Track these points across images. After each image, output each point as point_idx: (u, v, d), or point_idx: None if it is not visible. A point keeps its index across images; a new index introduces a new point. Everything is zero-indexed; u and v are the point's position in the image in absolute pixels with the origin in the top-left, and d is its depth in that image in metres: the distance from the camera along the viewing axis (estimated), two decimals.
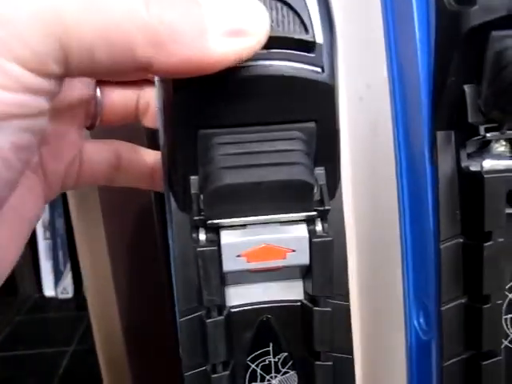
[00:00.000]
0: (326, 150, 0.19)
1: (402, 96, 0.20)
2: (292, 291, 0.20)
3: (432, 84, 0.18)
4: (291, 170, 0.17)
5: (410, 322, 0.21)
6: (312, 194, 0.18)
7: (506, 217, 0.18)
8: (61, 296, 0.99)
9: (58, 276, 1.02)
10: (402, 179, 0.20)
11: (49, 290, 1.01)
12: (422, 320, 0.20)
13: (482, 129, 0.17)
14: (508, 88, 0.16)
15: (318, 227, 0.19)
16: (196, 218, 0.18)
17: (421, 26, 0.19)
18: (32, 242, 1.04)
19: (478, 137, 0.17)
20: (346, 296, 0.21)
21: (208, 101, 0.17)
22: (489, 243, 0.18)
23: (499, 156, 0.19)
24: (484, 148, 0.19)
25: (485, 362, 0.18)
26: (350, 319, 0.21)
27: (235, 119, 0.18)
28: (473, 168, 0.18)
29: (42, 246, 1.05)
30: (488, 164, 0.18)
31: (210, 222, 0.18)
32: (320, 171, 0.19)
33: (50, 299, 1.01)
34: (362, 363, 0.22)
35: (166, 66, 0.15)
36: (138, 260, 0.36)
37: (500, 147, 0.19)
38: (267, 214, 0.19)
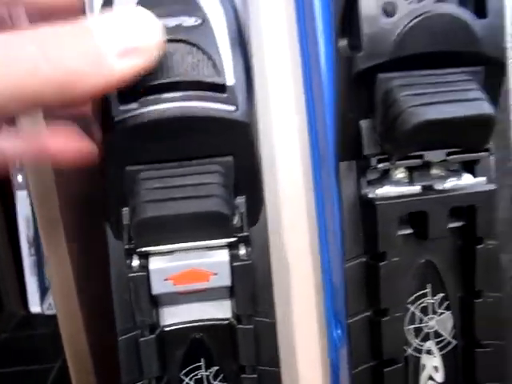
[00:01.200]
0: (245, 180, 0.21)
1: (314, 128, 0.23)
2: (222, 310, 0.23)
3: (335, 119, 0.20)
4: (207, 202, 0.20)
5: (331, 333, 0.23)
6: (229, 223, 0.20)
7: (401, 238, 0.21)
8: (47, 312, 1.00)
9: (43, 292, 1.03)
10: (319, 205, 0.23)
11: (35, 307, 1.02)
12: (339, 331, 0.22)
13: (373, 160, 0.20)
14: (393, 124, 0.19)
15: (242, 251, 0.21)
16: (127, 246, 0.20)
17: (328, 68, 0.21)
18: (17, 259, 1.05)
19: (372, 167, 0.20)
20: (270, 313, 0.23)
21: (132, 141, 0.20)
22: (384, 263, 0.20)
23: (398, 182, 0.21)
24: (385, 175, 0.21)
25: (386, 369, 0.20)
26: (275, 334, 0.23)
27: (158, 156, 0.20)
28: (370, 195, 0.20)
29: (27, 262, 1.07)
30: (380, 191, 0.20)
31: (139, 249, 0.20)
32: (241, 200, 0.22)
33: (36, 315, 1.02)
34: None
35: (78, 102, 0.17)
36: (101, 276, 0.38)
37: (400, 174, 0.21)
38: (192, 241, 0.21)
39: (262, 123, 0.24)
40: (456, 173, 0.21)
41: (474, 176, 0.21)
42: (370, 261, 0.20)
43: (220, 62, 0.20)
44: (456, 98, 0.18)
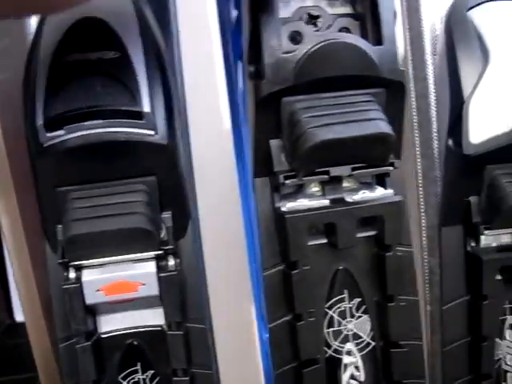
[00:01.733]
0: (170, 197, 0.23)
1: (239, 146, 0.24)
2: (156, 317, 0.24)
3: (252, 139, 0.22)
4: (131, 219, 0.21)
5: (260, 336, 0.25)
6: (153, 237, 0.22)
7: (313, 247, 0.22)
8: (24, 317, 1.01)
9: None
10: (245, 218, 0.24)
11: (20, 316, 1.03)
12: (267, 335, 0.24)
13: (281, 177, 0.21)
14: (296, 144, 0.20)
15: (171, 262, 0.23)
16: (60, 260, 0.22)
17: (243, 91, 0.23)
18: (1, 268, 1.06)
19: (282, 182, 0.21)
20: (202, 319, 0.25)
21: (60, 164, 0.21)
22: (296, 271, 0.22)
23: (310, 196, 0.23)
24: (300, 189, 0.23)
25: (305, 370, 0.22)
26: (208, 338, 0.25)
27: (85, 178, 0.22)
28: (282, 208, 0.22)
29: (12, 270, 1.08)
30: (291, 205, 0.22)
31: (71, 263, 0.22)
32: (167, 215, 0.23)
33: (22, 324, 1.03)
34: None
35: None
36: None
37: (313, 188, 0.23)
38: (122, 255, 0.22)
39: (193, 142, 0.26)
40: (367, 185, 0.23)
41: (385, 188, 0.23)
42: (285, 269, 0.22)
43: (138, 91, 0.22)
44: (354, 119, 0.20)
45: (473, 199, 0.26)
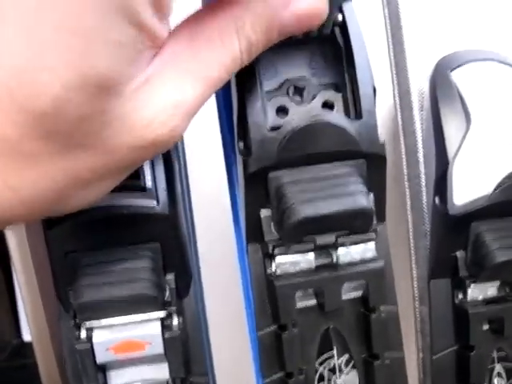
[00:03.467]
0: (173, 261, 0.26)
1: (235, 212, 0.27)
2: (162, 372, 0.27)
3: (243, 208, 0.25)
4: (137, 285, 0.24)
5: None
6: (156, 301, 0.25)
7: (302, 309, 0.25)
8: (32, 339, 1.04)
9: None
10: (243, 280, 0.27)
11: (28, 335, 1.06)
12: None
13: (270, 246, 0.24)
14: (282, 217, 0.23)
15: (174, 322, 0.26)
16: (72, 322, 0.25)
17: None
18: (9, 287, 1.10)
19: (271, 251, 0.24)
20: (205, 372, 0.27)
21: (72, 233, 0.24)
22: (285, 333, 0.24)
23: (299, 262, 0.25)
24: (290, 254, 0.25)
25: None
26: None
27: (95, 245, 0.25)
28: (272, 274, 0.24)
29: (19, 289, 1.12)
30: (279, 271, 0.24)
31: (82, 324, 0.25)
32: (170, 277, 0.26)
33: (30, 344, 1.06)
34: None
35: None
36: None
37: (303, 253, 0.25)
38: (129, 315, 0.25)
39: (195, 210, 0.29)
40: (354, 245, 0.25)
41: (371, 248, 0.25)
42: (277, 330, 0.25)
43: (141, 167, 0.25)
44: (335, 193, 0.23)
45: (459, 254, 0.28)
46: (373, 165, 0.24)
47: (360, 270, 0.24)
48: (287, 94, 0.25)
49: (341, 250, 0.24)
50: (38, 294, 0.40)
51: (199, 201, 0.28)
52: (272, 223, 0.25)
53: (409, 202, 0.31)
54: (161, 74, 0.18)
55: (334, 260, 0.25)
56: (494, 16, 0.32)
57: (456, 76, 0.29)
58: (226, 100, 0.26)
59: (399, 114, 0.30)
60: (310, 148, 0.23)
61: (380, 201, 0.25)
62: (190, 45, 0.19)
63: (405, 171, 0.30)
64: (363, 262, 0.25)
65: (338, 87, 0.25)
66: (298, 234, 0.24)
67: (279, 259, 0.24)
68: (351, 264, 0.24)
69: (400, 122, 0.30)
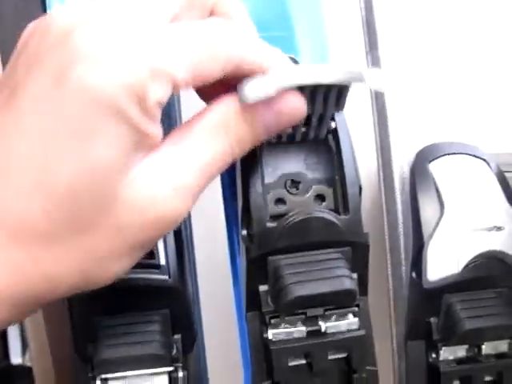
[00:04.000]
0: (180, 324, 0.30)
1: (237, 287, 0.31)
2: None
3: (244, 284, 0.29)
4: (149, 346, 0.28)
5: None
6: (166, 358, 0.29)
7: (294, 368, 0.29)
8: (28, 363, 1.05)
9: (25, 343, 1.08)
10: (242, 343, 0.31)
11: (16, 358, 1.07)
12: None
13: (267, 317, 0.28)
14: (278, 295, 0.27)
15: (180, 374, 0.30)
16: (90, 374, 0.29)
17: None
18: None
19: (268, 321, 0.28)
20: None
21: (94, 300, 0.28)
22: None
23: (292, 330, 0.29)
24: (284, 323, 0.29)
25: None
26: None
27: (113, 310, 0.29)
28: (268, 340, 0.28)
29: None
30: (274, 337, 0.28)
31: (99, 376, 0.29)
32: (177, 337, 0.30)
33: (18, 367, 1.07)
34: None
35: None
36: None
37: (295, 323, 0.30)
38: (141, 369, 0.29)
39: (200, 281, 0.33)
40: (340, 317, 0.29)
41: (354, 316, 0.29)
42: None
43: (156, 247, 0.29)
44: (324, 277, 0.27)
45: (433, 320, 0.32)
46: (358, 250, 0.29)
47: (344, 337, 0.28)
48: (285, 186, 0.29)
49: (328, 323, 0.29)
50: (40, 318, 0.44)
51: (204, 273, 0.32)
52: (269, 297, 0.29)
53: (390, 270, 0.35)
54: (159, 162, 0.22)
55: (323, 329, 0.29)
56: (472, 108, 0.36)
57: (433, 167, 0.33)
58: (231, 187, 0.30)
59: (383, 195, 0.34)
60: (304, 238, 0.28)
61: (363, 279, 0.29)
62: (188, 138, 0.23)
63: (387, 244, 0.34)
64: (347, 331, 0.29)
65: (329, 182, 0.29)
66: (292, 308, 0.28)
67: (274, 328, 0.28)
68: (337, 333, 0.29)
69: (384, 203, 0.35)
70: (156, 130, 0.22)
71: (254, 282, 0.29)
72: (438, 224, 0.31)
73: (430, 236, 0.31)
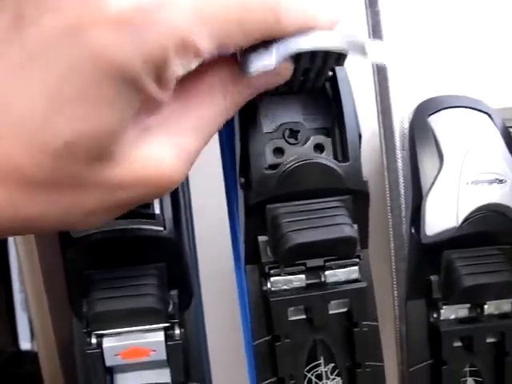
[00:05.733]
0: (176, 278, 0.30)
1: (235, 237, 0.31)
2: (164, 376, 0.31)
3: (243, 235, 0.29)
4: (144, 299, 0.28)
5: None
6: (162, 313, 0.29)
7: (293, 322, 0.29)
8: (35, 349, 1.07)
9: (32, 329, 1.10)
10: (240, 297, 0.31)
11: (25, 343, 1.09)
12: None
13: (266, 268, 0.28)
14: (277, 244, 0.27)
15: (176, 331, 0.30)
16: (85, 330, 0.29)
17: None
18: (7, 294, 1.13)
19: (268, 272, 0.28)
20: (203, 379, 0.31)
21: (87, 253, 0.28)
22: (278, 343, 0.28)
23: (292, 281, 0.30)
24: (283, 274, 0.30)
25: None
26: None
27: (108, 263, 0.29)
28: (268, 291, 0.29)
29: (18, 298, 1.15)
30: (274, 289, 0.28)
31: (94, 332, 0.29)
32: (174, 293, 0.30)
33: (27, 352, 1.09)
34: None
35: None
36: None
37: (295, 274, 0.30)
38: (136, 326, 0.29)
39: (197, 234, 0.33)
40: (341, 268, 0.30)
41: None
42: (271, 341, 0.29)
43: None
44: (324, 224, 0.27)
45: (433, 278, 0.33)
46: (358, 200, 0.29)
47: (345, 289, 0.29)
48: (283, 136, 0.29)
49: (328, 272, 0.29)
50: (45, 303, 0.44)
51: (201, 227, 0.32)
52: (268, 248, 0.29)
53: (391, 230, 0.35)
54: (160, 124, 0.22)
55: (323, 279, 0.29)
56: (472, 60, 0.37)
57: (432, 121, 0.33)
58: (228, 140, 0.30)
59: (384, 153, 0.34)
60: (302, 185, 0.28)
61: (363, 230, 0.30)
62: (188, 100, 0.23)
63: (388, 203, 0.35)
64: (348, 282, 0.29)
65: (328, 132, 0.29)
66: (291, 258, 0.28)
67: (274, 278, 0.29)
68: (337, 284, 0.29)
69: (385, 161, 0.35)
70: (166, 97, 0.21)
71: (252, 232, 0.29)
72: (436, 177, 0.31)
73: (429, 190, 0.32)
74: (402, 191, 0.34)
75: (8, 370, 1.03)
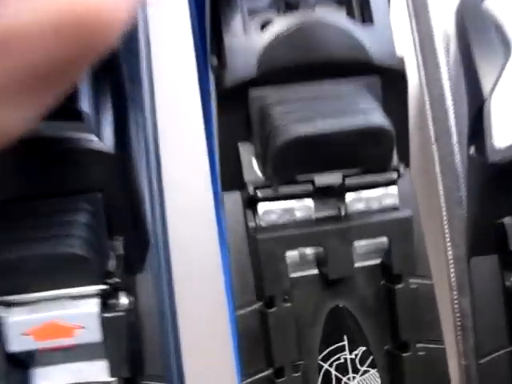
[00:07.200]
0: (121, 219, 0.20)
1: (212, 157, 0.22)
2: (103, 371, 0.21)
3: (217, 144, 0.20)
4: (64, 242, 0.18)
5: None
6: (94, 266, 0.19)
7: (299, 279, 0.19)
8: None
9: None
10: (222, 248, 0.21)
11: None
12: None
13: (251, 188, 0.18)
14: (266, 144, 0.18)
15: (122, 300, 0.20)
16: None
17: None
18: None
19: (253, 194, 0.18)
20: (165, 377, 0.21)
21: None
22: (272, 310, 0.18)
23: (293, 210, 0.20)
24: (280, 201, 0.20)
25: None
26: None
27: (16, 191, 0.19)
28: (255, 227, 0.19)
29: None
30: (264, 222, 0.18)
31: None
32: (118, 242, 0.20)
33: None
34: None
35: None
36: None
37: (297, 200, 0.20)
38: (56, 289, 0.19)
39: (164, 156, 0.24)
40: (369, 191, 0.19)
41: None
42: (262, 308, 0.18)
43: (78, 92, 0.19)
44: (339, 110, 0.18)
45: (508, 220, 0.22)
46: (389, 84, 0.19)
47: (378, 221, 0.19)
48: (278, 11, 0.20)
49: (350, 196, 0.19)
50: None
51: (168, 145, 0.23)
52: (254, 160, 0.19)
53: (438, 166, 0.25)
54: None
55: (342, 210, 0.19)
56: None
57: (489, 6, 0.24)
58: (198, 10, 0.21)
59: (421, 62, 0.25)
60: (302, 57, 0.18)
61: (401, 135, 0.20)
62: None
63: (431, 128, 0.25)
64: (382, 211, 0.19)
65: (339, 1, 0.20)
66: (289, 166, 0.18)
67: (264, 206, 0.19)
68: (365, 214, 0.19)
69: (423, 73, 0.26)
70: None
71: (230, 138, 0.19)
72: (503, 70, 0.22)
73: (493, 88, 0.22)
74: (451, 109, 0.25)
75: None
